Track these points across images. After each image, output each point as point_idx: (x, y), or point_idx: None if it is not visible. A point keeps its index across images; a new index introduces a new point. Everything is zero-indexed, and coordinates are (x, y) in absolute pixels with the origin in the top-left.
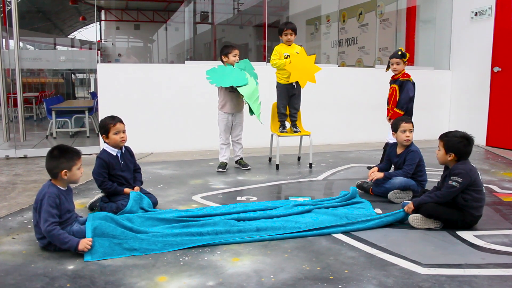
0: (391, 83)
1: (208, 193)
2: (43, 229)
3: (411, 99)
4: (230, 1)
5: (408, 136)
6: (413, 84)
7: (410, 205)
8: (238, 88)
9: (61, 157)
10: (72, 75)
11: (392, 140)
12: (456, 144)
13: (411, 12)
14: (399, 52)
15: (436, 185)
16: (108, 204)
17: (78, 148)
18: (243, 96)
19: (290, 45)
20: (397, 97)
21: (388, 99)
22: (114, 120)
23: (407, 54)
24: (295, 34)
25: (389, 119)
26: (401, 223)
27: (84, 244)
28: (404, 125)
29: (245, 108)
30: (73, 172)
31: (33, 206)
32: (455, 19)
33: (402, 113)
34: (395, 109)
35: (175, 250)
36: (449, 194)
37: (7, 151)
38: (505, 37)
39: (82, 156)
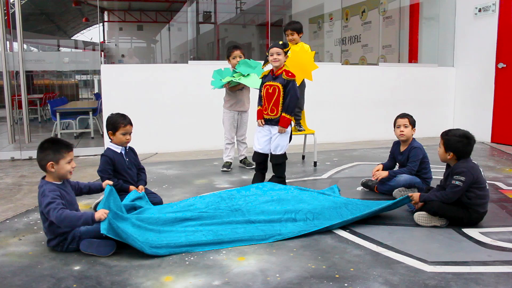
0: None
1: (213, 192)
2: (54, 218)
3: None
4: (233, 1)
5: (402, 131)
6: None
7: (416, 197)
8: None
9: (49, 149)
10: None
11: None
12: (455, 143)
13: (414, 9)
14: (280, 42)
15: (439, 183)
16: None
17: (83, 149)
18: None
19: (296, 44)
20: (280, 98)
21: (265, 98)
22: (125, 120)
23: (290, 45)
24: (297, 32)
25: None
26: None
27: (101, 213)
28: (399, 121)
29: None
30: (61, 166)
31: (39, 210)
32: (458, 16)
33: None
34: (284, 114)
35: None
36: (453, 194)
37: (13, 153)
38: (509, 33)
39: (74, 150)
